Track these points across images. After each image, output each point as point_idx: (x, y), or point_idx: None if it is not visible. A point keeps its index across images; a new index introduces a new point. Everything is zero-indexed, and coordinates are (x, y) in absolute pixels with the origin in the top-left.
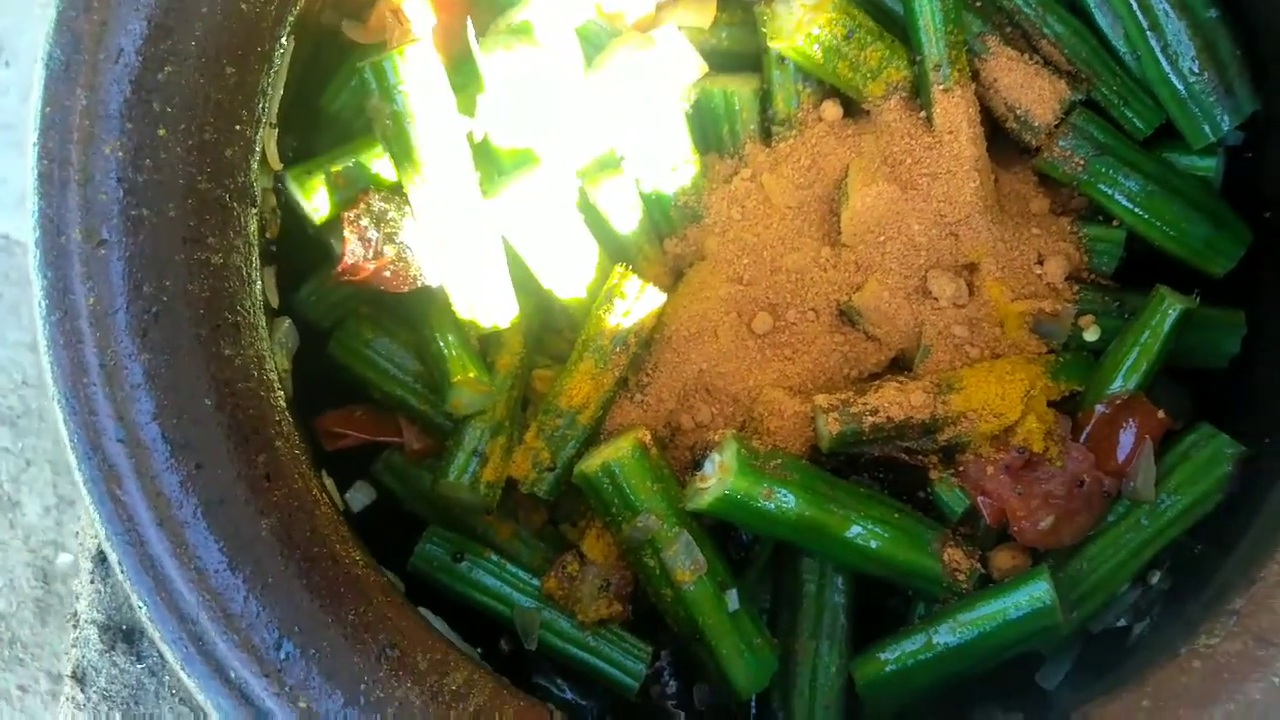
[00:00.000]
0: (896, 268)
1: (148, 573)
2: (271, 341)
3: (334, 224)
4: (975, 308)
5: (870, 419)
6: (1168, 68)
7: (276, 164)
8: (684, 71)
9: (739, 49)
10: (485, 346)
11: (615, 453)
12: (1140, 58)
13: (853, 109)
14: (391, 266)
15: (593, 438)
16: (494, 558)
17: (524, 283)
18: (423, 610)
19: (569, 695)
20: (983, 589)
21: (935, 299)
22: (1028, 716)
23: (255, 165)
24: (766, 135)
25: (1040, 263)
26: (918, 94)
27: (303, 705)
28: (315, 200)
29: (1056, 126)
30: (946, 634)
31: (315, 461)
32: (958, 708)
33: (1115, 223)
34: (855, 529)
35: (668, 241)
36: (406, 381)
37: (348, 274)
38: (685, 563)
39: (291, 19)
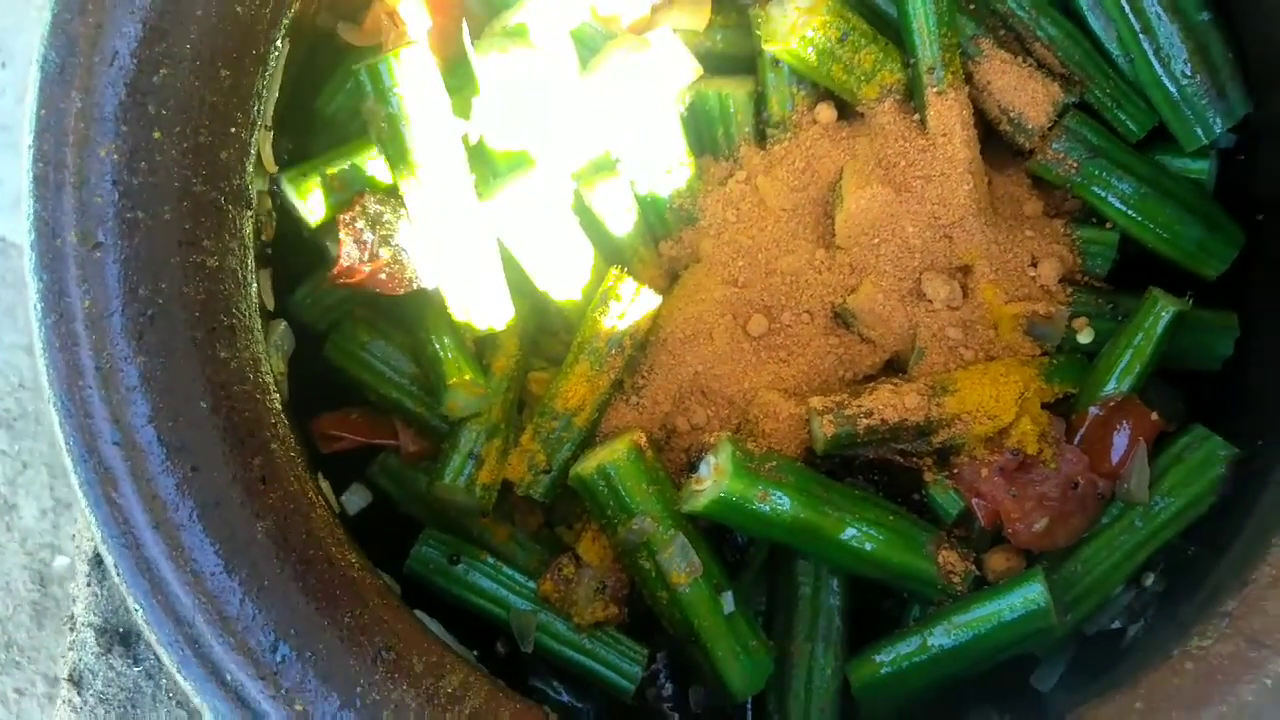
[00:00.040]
0: (891, 270)
1: (144, 575)
2: (267, 344)
3: (329, 226)
4: (969, 310)
5: (865, 421)
6: (1160, 71)
7: (272, 166)
8: (679, 74)
9: (734, 52)
10: (481, 349)
11: (611, 455)
12: (1133, 60)
13: (847, 112)
14: (387, 269)
15: (588, 440)
16: (490, 560)
17: (519, 285)
18: (419, 613)
19: (565, 697)
20: (977, 591)
21: (929, 301)
22: (1022, 718)
23: (250, 168)
24: (761, 138)
25: (1034, 265)
26: (912, 97)
27: (298, 708)
28: (311, 203)
29: (1050, 129)
30: (941, 636)
31: (311, 464)
32: (953, 710)
33: (1108, 225)
34: (850, 531)
35: (663, 244)
36: (402, 384)
37: (343, 276)
38: (681, 565)
39: (286, 22)
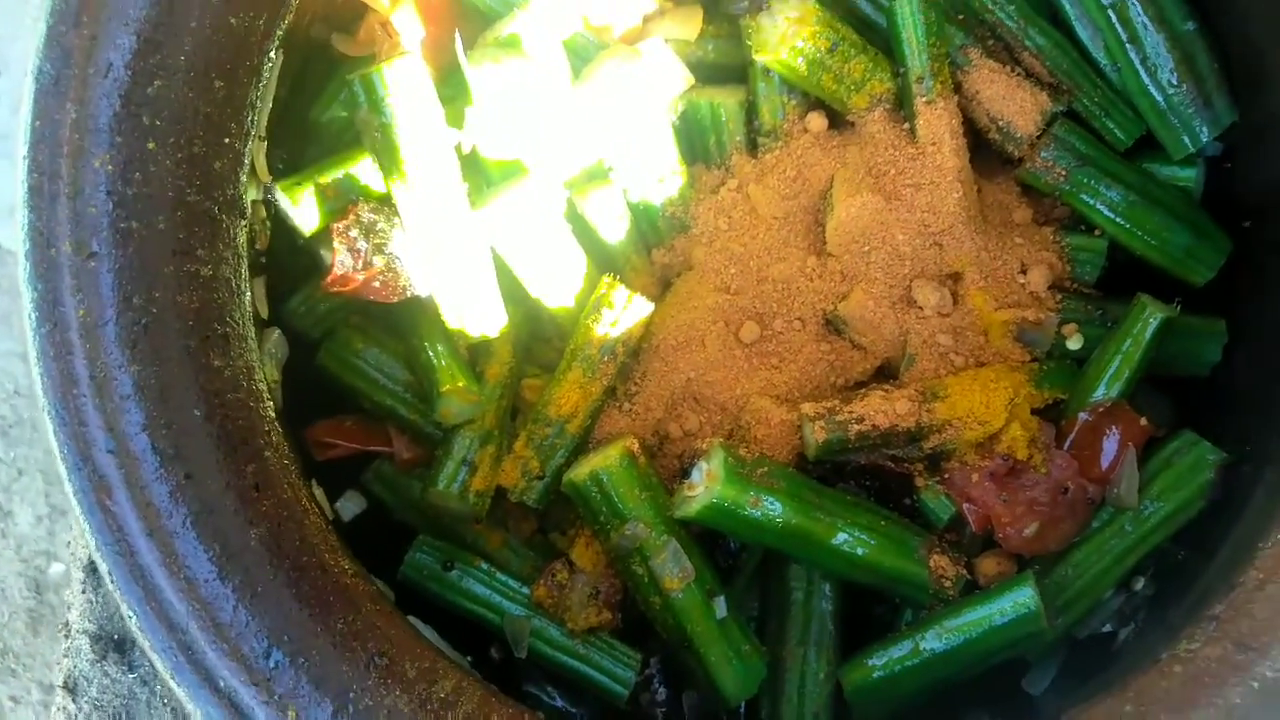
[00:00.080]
0: (881, 277)
1: (138, 582)
2: (261, 352)
3: (323, 235)
4: (959, 317)
5: (856, 427)
6: (1147, 80)
7: (266, 176)
8: (670, 84)
9: (725, 61)
10: (474, 356)
11: (604, 461)
12: (1120, 70)
13: (837, 120)
14: (381, 277)
15: (581, 446)
16: (484, 566)
17: (513, 292)
18: (411, 619)
19: (559, 703)
20: (969, 595)
21: (920, 308)
22: None
23: (244, 178)
24: (753, 146)
25: (1023, 272)
26: (901, 106)
27: (292, 714)
28: (305, 212)
29: (1038, 137)
30: (933, 640)
31: (305, 471)
32: (945, 713)
33: (1097, 232)
34: (842, 536)
35: (655, 251)
36: (396, 391)
37: (337, 285)
38: (673, 570)
39: (280, 33)
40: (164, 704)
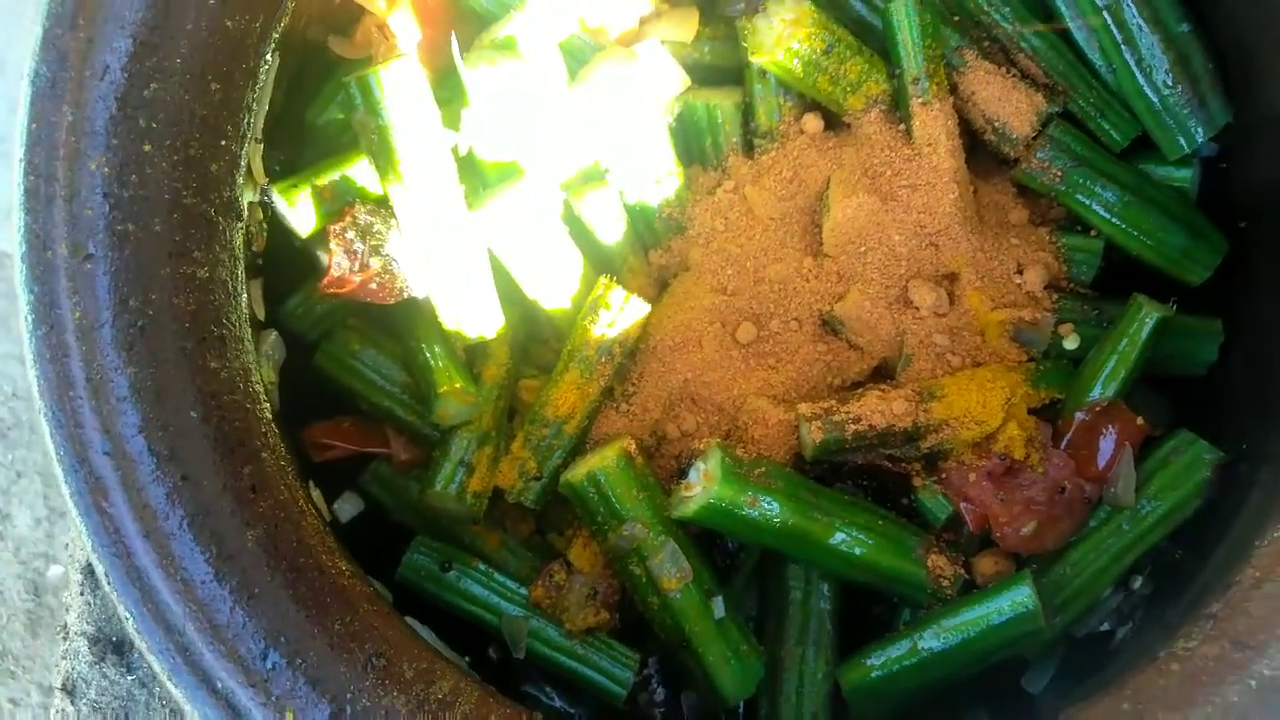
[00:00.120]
0: (878, 278)
1: (134, 584)
2: (258, 354)
3: (320, 237)
4: (956, 317)
5: (853, 427)
6: (1142, 81)
7: (262, 178)
8: (667, 85)
9: (721, 63)
10: (471, 357)
11: (601, 462)
12: (1116, 71)
13: (834, 122)
14: (378, 279)
15: (579, 447)
16: (482, 567)
17: (510, 294)
18: (409, 620)
19: (558, 703)
20: (967, 595)
21: (916, 308)
22: None
23: (241, 180)
24: (749, 148)
25: (1020, 272)
26: (897, 107)
27: (289, 715)
28: (301, 214)
29: (1034, 138)
30: (931, 639)
31: (302, 473)
32: (944, 712)
33: (1093, 232)
34: (839, 536)
35: (652, 253)
36: (393, 393)
37: (334, 286)
38: (671, 571)
39: (276, 35)
40: (162, 705)
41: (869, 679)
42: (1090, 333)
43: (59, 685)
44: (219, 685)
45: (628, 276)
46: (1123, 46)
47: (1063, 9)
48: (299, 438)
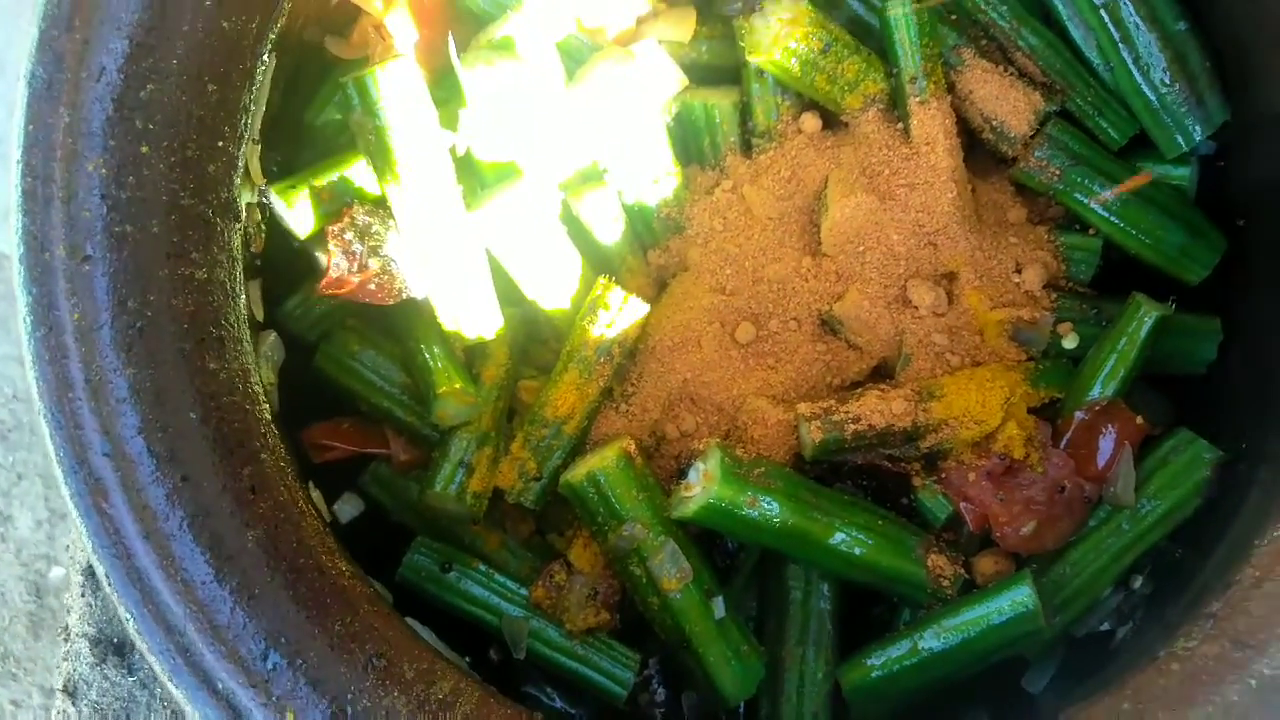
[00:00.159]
0: (876, 277)
1: (135, 585)
2: (257, 355)
3: (319, 238)
4: (955, 316)
5: (852, 427)
6: (1140, 79)
7: (260, 179)
8: (664, 85)
9: (719, 63)
10: (470, 358)
11: (600, 462)
12: (1113, 69)
13: (831, 121)
14: (376, 279)
15: (578, 448)
16: (482, 567)
17: (508, 294)
18: (409, 620)
19: (558, 703)
20: (967, 594)
21: (915, 308)
22: None
23: (238, 181)
24: (747, 147)
25: (1018, 271)
26: (895, 106)
27: (289, 715)
28: (299, 215)
29: (1032, 137)
30: (931, 639)
31: (302, 473)
32: (944, 713)
33: (1092, 231)
34: (839, 536)
35: (651, 253)
36: (393, 393)
37: (332, 287)
38: (671, 571)
39: (273, 36)
40: (163, 706)
41: (869, 679)
42: (1089, 332)
43: (60, 687)
44: (220, 686)
45: (626, 276)
46: (1120, 45)
47: (1060, 8)
48: (298, 439)
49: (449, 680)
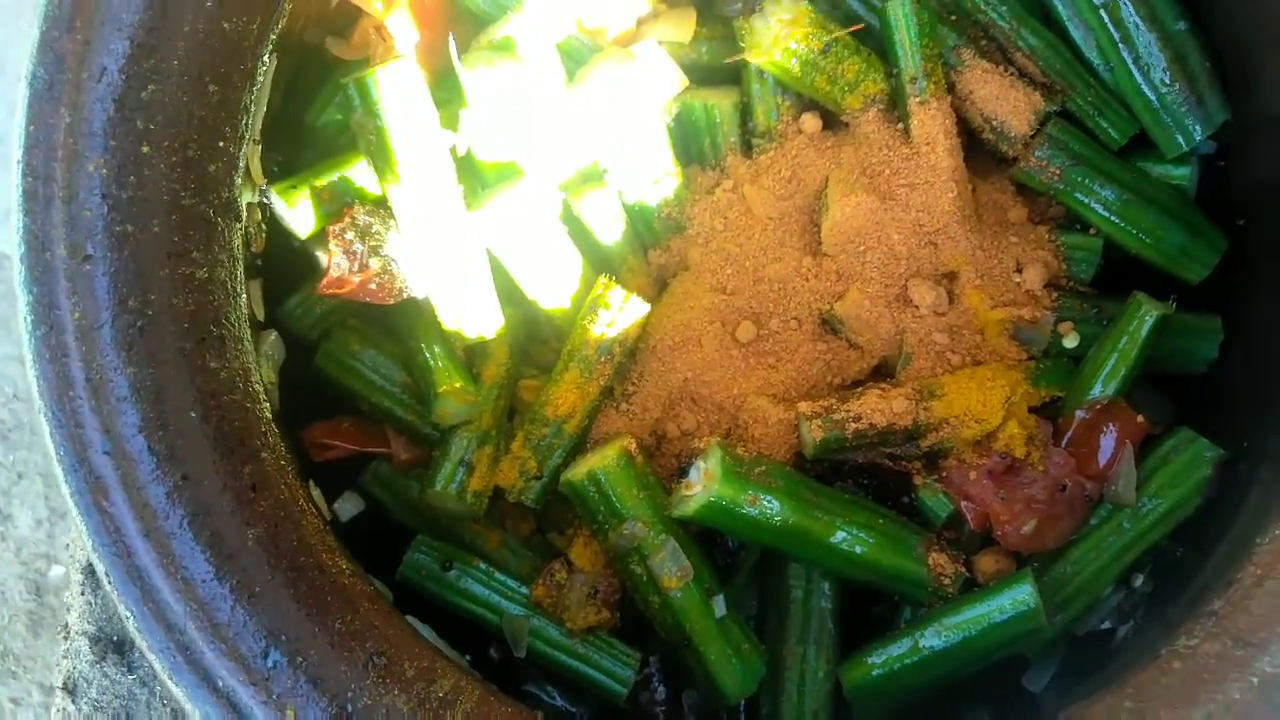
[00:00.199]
0: (877, 277)
1: (135, 583)
2: (258, 354)
3: (319, 238)
4: (955, 315)
5: (853, 426)
6: (1140, 79)
7: (261, 179)
8: (665, 86)
9: (719, 63)
10: (471, 357)
11: (601, 461)
12: (1113, 69)
13: (832, 121)
14: (377, 279)
15: (579, 446)
16: (482, 566)
17: (509, 294)
18: (410, 618)
19: (559, 702)
20: (968, 593)
21: (916, 307)
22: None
23: (239, 181)
24: (747, 147)
25: (1019, 270)
26: (895, 106)
27: (290, 713)
28: (300, 215)
29: (1032, 137)
30: (932, 638)
31: (302, 472)
32: (945, 711)
33: (1092, 231)
34: (840, 534)
35: (651, 252)
36: (393, 392)
37: (333, 287)
38: (672, 569)
39: (274, 37)
40: (164, 704)
41: (870, 677)
42: (1090, 331)
43: (60, 685)
44: (220, 684)
45: (627, 276)
46: (1120, 45)
47: (1059, 8)
48: (299, 438)
49: (449, 678)
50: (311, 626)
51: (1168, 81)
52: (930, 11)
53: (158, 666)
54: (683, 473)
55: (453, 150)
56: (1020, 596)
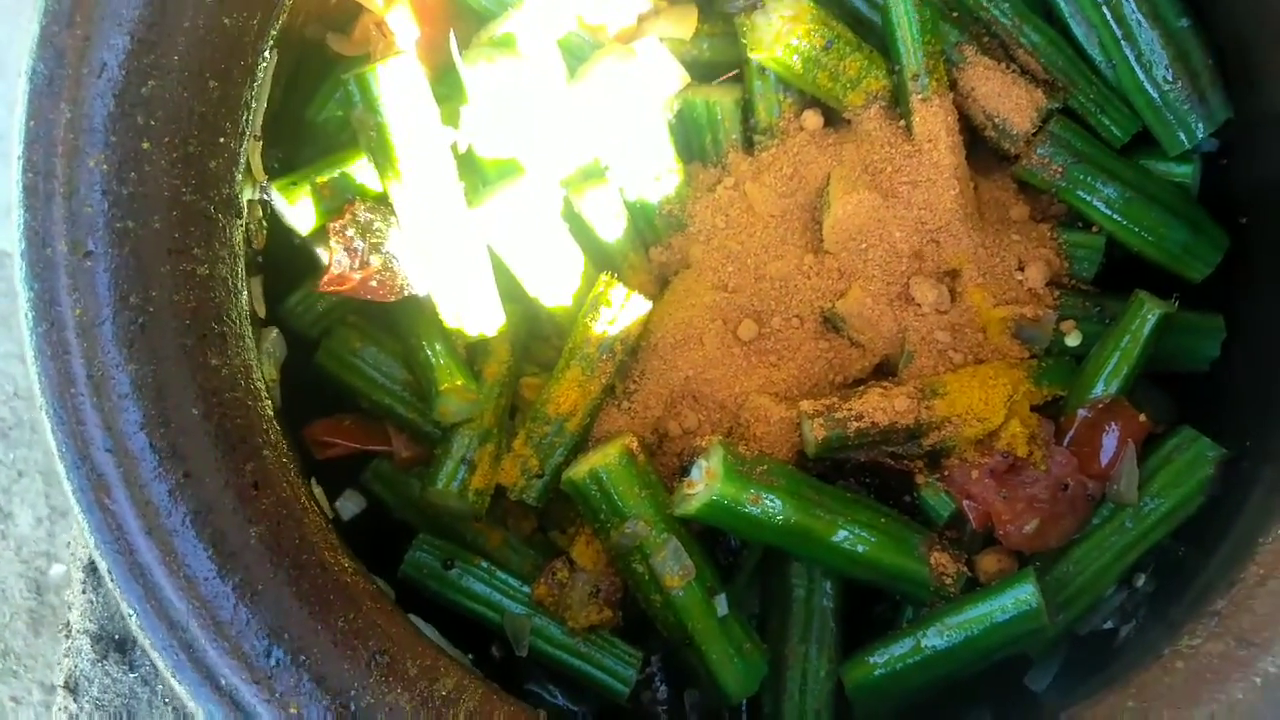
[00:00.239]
0: (879, 274)
1: (137, 581)
2: (259, 351)
3: (320, 235)
4: (957, 313)
5: (855, 424)
6: (1142, 76)
7: (262, 176)
8: (666, 82)
9: (720, 60)
10: (472, 355)
11: (603, 459)
12: (1116, 67)
13: (833, 118)
14: (378, 276)
15: (581, 445)
16: (484, 564)
17: (511, 291)
18: (412, 617)
19: (560, 701)
20: (970, 592)
21: (918, 305)
22: (1017, 719)
23: (240, 177)
24: (749, 144)
25: (1021, 268)
26: (897, 103)
27: (293, 711)
28: (301, 211)
29: (1034, 134)
30: (934, 637)
31: (304, 470)
32: (947, 711)
33: (1095, 229)
34: (842, 533)
35: (653, 250)
36: (395, 390)
37: (334, 284)
38: (674, 568)
39: (274, 33)
40: (165, 703)
41: (872, 677)
42: (1092, 329)
43: (61, 683)
44: (222, 682)
45: (628, 274)
46: (1122, 42)
47: (1062, 5)
48: (300, 435)
49: (452, 677)
50: (314, 625)
51: (1170, 79)
52: (932, 8)
53: (160, 665)
54: (684, 471)
55: (454, 147)
56: (1022, 596)
